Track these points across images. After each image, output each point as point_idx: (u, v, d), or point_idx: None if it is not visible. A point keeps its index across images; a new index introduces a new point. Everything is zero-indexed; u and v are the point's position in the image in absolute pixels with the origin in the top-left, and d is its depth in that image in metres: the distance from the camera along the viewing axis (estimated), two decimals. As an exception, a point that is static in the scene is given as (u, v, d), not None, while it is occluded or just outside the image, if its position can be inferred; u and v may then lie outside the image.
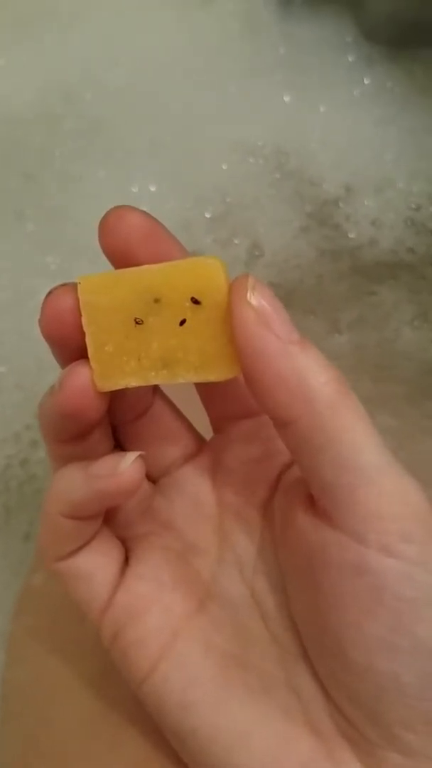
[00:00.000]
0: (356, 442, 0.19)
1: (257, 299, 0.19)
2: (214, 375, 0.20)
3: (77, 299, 0.20)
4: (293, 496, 0.22)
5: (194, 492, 0.25)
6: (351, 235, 0.48)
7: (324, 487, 0.20)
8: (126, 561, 0.25)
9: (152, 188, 0.49)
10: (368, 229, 0.48)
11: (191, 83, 0.52)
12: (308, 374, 0.19)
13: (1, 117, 0.51)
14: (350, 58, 0.55)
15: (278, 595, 0.23)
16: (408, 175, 0.50)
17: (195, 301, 0.20)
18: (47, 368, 0.45)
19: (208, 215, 0.48)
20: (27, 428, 0.42)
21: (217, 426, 0.25)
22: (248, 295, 0.19)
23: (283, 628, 0.23)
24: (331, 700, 0.21)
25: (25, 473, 0.42)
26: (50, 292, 0.21)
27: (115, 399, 0.22)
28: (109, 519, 0.24)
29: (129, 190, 0.49)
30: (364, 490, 0.19)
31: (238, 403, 0.24)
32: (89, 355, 0.21)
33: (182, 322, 0.20)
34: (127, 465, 0.21)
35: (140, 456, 0.22)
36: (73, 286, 0.20)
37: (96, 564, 0.24)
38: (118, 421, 0.24)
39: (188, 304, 0.20)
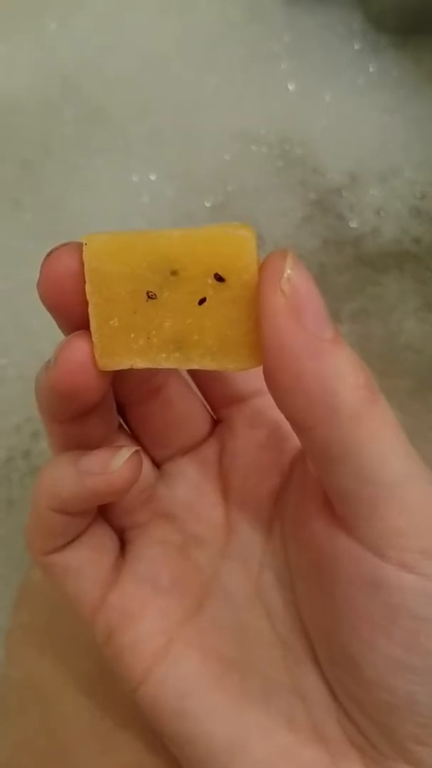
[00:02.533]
0: (379, 455, 0.17)
1: (291, 285, 0.17)
2: (234, 364, 0.18)
3: (82, 263, 0.18)
4: (308, 492, 0.21)
5: (198, 480, 0.24)
6: (355, 225, 0.48)
7: (341, 496, 0.18)
8: (122, 553, 0.24)
9: (152, 177, 0.48)
10: (372, 218, 0.48)
11: (193, 70, 0.52)
12: (334, 378, 0.17)
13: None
14: (356, 46, 0.54)
15: (285, 593, 0.22)
16: (414, 164, 0.49)
17: (219, 278, 0.18)
18: (47, 359, 0.45)
19: (208, 204, 0.48)
20: (28, 420, 0.42)
21: (219, 411, 0.24)
22: (282, 279, 0.17)
23: (289, 628, 0.22)
24: (340, 706, 0.20)
25: (27, 465, 0.41)
26: (50, 253, 0.18)
27: (122, 376, 0.20)
28: (105, 507, 0.23)
29: (129, 179, 0.48)
30: (385, 505, 0.18)
31: (239, 384, 0.23)
32: (91, 329, 0.18)
33: (202, 301, 0.18)
34: (120, 463, 0.20)
35: (136, 452, 0.20)
36: (78, 247, 0.18)
37: (86, 559, 0.22)
38: (125, 400, 0.22)
39: (210, 280, 0.18)
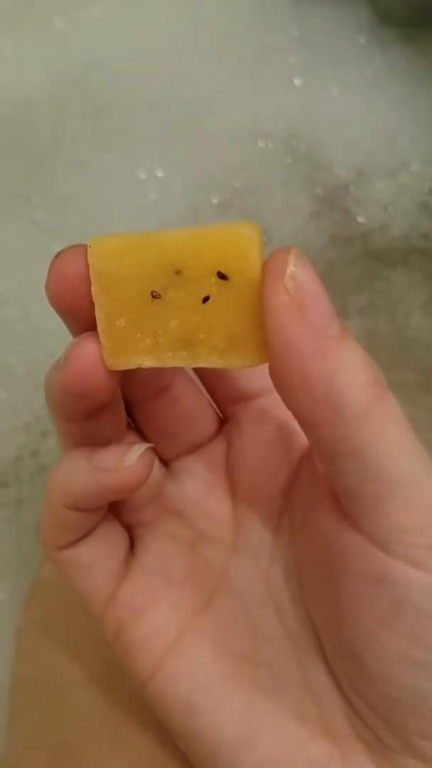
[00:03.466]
0: (385, 452, 0.17)
1: (295, 282, 0.17)
2: (240, 361, 0.18)
3: (87, 265, 0.18)
4: (316, 488, 0.21)
5: (207, 477, 0.24)
6: (362, 220, 0.48)
7: (348, 493, 0.18)
8: (131, 549, 0.24)
9: (159, 174, 0.48)
10: (380, 213, 0.47)
11: (200, 66, 0.52)
12: (340, 377, 0.17)
13: (8, 101, 0.51)
14: (362, 40, 0.54)
15: (294, 588, 0.22)
16: (421, 159, 0.49)
17: (222, 277, 0.18)
18: (57, 356, 0.45)
19: (216, 201, 0.48)
20: (37, 419, 0.42)
21: (225, 409, 0.24)
22: (285, 276, 0.17)
23: (298, 622, 0.22)
24: (347, 700, 0.20)
25: (36, 464, 0.42)
26: (58, 255, 0.19)
27: (130, 375, 0.20)
28: (115, 504, 0.23)
29: (136, 175, 0.48)
30: (391, 501, 0.18)
31: (244, 382, 0.23)
32: (98, 329, 0.18)
33: (205, 299, 0.18)
34: (134, 459, 0.20)
35: (149, 449, 0.20)
36: (84, 249, 0.18)
37: (98, 554, 0.23)
38: (133, 398, 0.22)
39: (214, 279, 0.18)
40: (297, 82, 0.52)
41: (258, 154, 0.49)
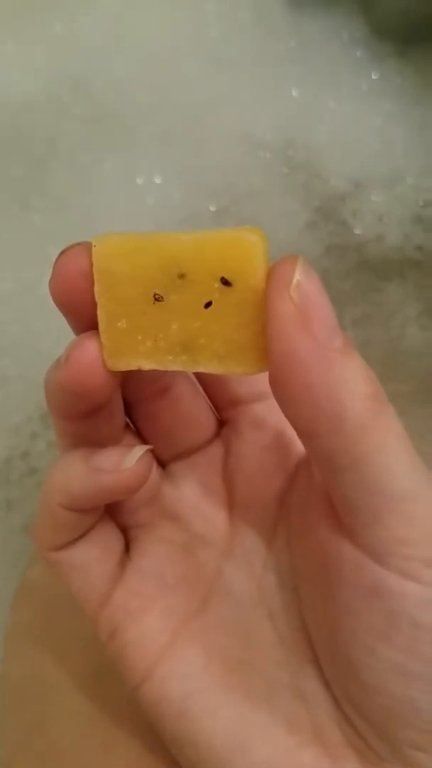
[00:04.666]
0: (385, 466, 0.17)
1: (300, 292, 0.16)
2: (240, 368, 0.18)
3: (92, 263, 0.18)
4: (313, 496, 0.21)
5: (204, 480, 0.24)
6: (358, 231, 0.48)
7: (346, 504, 0.18)
8: (127, 551, 0.24)
9: (157, 180, 0.48)
10: (375, 225, 0.48)
11: (199, 74, 0.52)
12: (342, 389, 0.17)
13: (7, 104, 0.51)
14: (359, 53, 0.55)
15: (288, 594, 0.22)
16: (417, 171, 0.49)
17: (225, 282, 0.17)
18: (50, 359, 0.45)
19: (213, 208, 0.48)
20: (28, 420, 0.42)
21: (224, 413, 0.24)
22: (291, 286, 0.16)
23: (291, 629, 0.22)
24: (340, 708, 0.20)
25: (26, 466, 0.41)
26: (62, 252, 0.18)
27: (130, 376, 0.20)
28: (111, 505, 0.23)
29: (134, 181, 0.48)
30: (389, 514, 0.18)
31: (244, 387, 0.23)
32: (100, 329, 0.18)
33: (208, 305, 0.18)
34: (133, 461, 0.20)
35: (148, 451, 0.20)
36: (88, 247, 0.18)
37: (94, 555, 0.22)
38: (133, 399, 0.22)
39: (217, 284, 0.17)
40: (294, 93, 0.52)
41: (255, 163, 0.49)
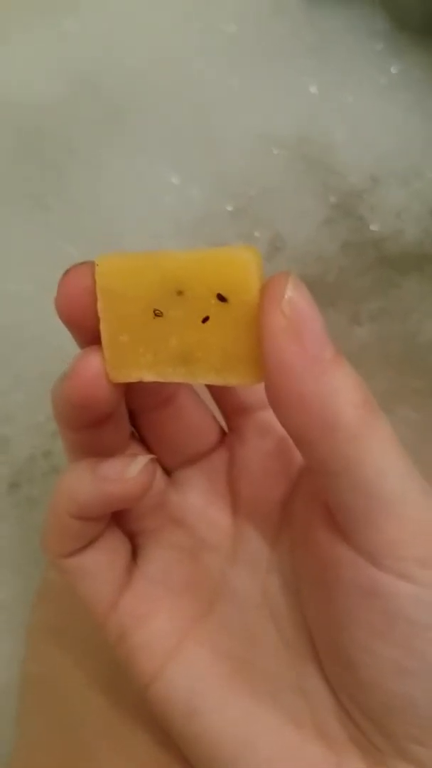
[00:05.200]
0: (377, 470, 0.18)
1: (292, 306, 0.17)
2: (236, 379, 0.19)
3: (95, 281, 0.19)
4: (312, 501, 0.21)
5: (209, 487, 0.24)
6: (375, 227, 0.48)
7: (340, 508, 0.19)
8: (134, 557, 0.25)
9: (174, 180, 0.49)
10: (394, 220, 0.48)
11: (214, 71, 0.52)
12: (334, 397, 0.18)
13: (21, 104, 0.51)
14: (378, 47, 0.54)
15: (291, 596, 0.23)
16: (435, 166, 0.49)
17: (221, 298, 0.18)
18: (71, 357, 0.45)
19: (229, 208, 0.48)
20: (49, 419, 0.43)
21: (230, 420, 0.25)
22: (283, 301, 0.17)
23: (294, 629, 0.22)
24: (342, 705, 0.21)
25: (48, 464, 0.42)
26: (67, 271, 0.20)
27: (134, 386, 0.21)
28: (118, 512, 0.24)
29: (150, 180, 0.48)
30: (382, 517, 0.18)
31: (249, 395, 0.24)
32: (103, 344, 0.20)
33: (205, 320, 0.19)
34: (136, 470, 0.21)
35: (151, 460, 0.21)
36: (92, 266, 0.19)
37: (101, 562, 0.23)
38: (137, 408, 0.23)
39: (213, 300, 0.19)
40: (312, 88, 0.52)
41: (272, 161, 0.49)
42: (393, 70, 0.53)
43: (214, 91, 0.51)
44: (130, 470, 0.21)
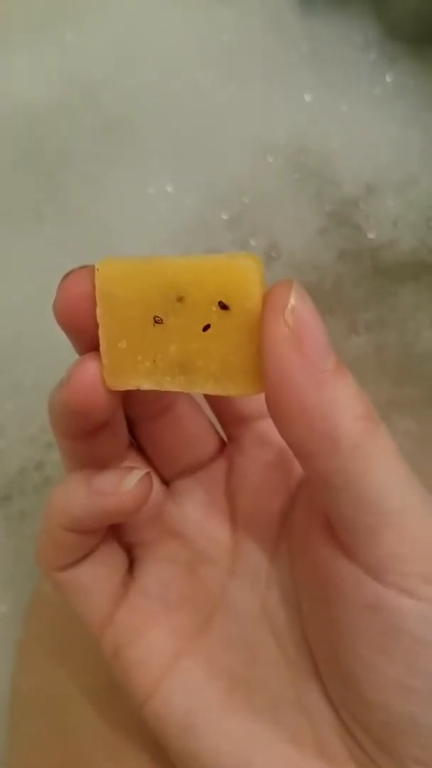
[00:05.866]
0: (378, 484, 0.18)
1: (295, 316, 0.17)
2: (236, 389, 0.19)
3: (94, 286, 0.19)
4: (312, 514, 0.21)
5: (207, 499, 0.24)
6: (371, 236, 0.48)
7: (342, 523, 0.19)
8: (130, 570, 0.24)
9: (169, 189, 0.48)
10: (389, 229, 0.47)
11: (210, 81, 0.52)
12: (335, 409, 0.17)
13: (20, 115, 0.51)
14: (372, 56, 0.54)
15: (291, 610, 0.22)
16: (431, 175, 0.49)
17: (223, 306, 0.18)
18: (66, 369, 0.45)
19: (225, 216, 0.48)
20: (43, 430, 0.42)
21: (229, 430, 0.24)
22: (286, 310, 0.17)
23: (294, 645, 0.22)
24: (343, 723, 0.21)
25: (41, 476, 0.42)
26: (67, 275, 0.19)
27: (132, 394, 0.21)
28: (114, 524, 0.24)
29: (146, 190, 0.48)
30: (385, 532, 0.18)
31: (248, 404, 0.23)
32: (101, 350, 0.19)
33: (206, 328, 0.18)
34: (131, 484, 0.20)
35: (147, 474, 0.21)
36: (91, 270, 0.19)
37: (97, 576, 0.23)
38: (135, 417, 0.23)
39: (215, 308, 0.18)
40: (307, 97, 0.52)
41: (267, 170, 0.49)
42: (387, 78, 0.53)
43: (211, 101, 0.51)
44: (126, 483, 0.20)
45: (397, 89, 0.53)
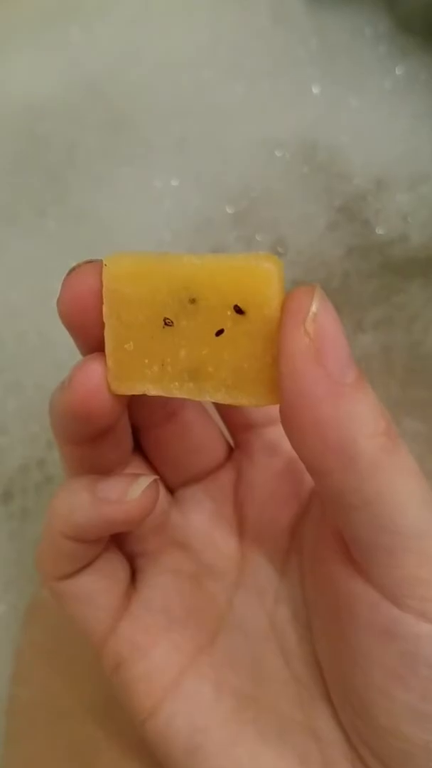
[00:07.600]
0: (397, 504, 0.17)
1: (317, 326, 0.16)
2: (248, 399, 0.18)
3: (101, 281, 0.18)
4: (325, 529, 0.20)
5: (214, 508, 0.23)
6: (381, 232, 0.47)
7: (358, 543, 0.18)
8: (133, 581, 0.23)
9: (174, 183, 0.48)
10: (399, 225, 0.47)
11: (218, 76, 0.51)
12: (353, 425, 0.16)
13: (24, 112, 0.50)
14: (382, 49, 0.53)
15: (301, 629, 0.21)
16: (442, 170, 0.48)
17: (238, 311, 0.17)
18: (67, 369, 0.44)
19: (231, 211, 0.47)
20: (44, 428, 0.42)
21: (237, 435, 0.23)
22: (308, 318, 0.16)
23: (304, 664, 0.21)
24: (353, 748, 0.20)
25: (42, 475, 0.41)
26: (72, 269, 0.18)
27: (138, 399, 0.20)
28: (117, 533, 0.22)
29: (152, 187, 0.47)
30: (403, 554, 0.17)
31: (256, 410, 0.22)
32: (106, 351, 0.18)
33: (219, 332, 0.17)
34: (138, 492, 0.19)
35: (154, 481, 0.20)
36: (99, 266, 0.18)
37: (98, 586, 0.22)
38: (141, 423, 0.22)
39: (230, 312, 0.17)
40: (316, 91, 0.51)
41: (275, 164, 0.48)
42: (398, 72, 0.52)
43: (219, 96, 0.51)
44: (132, 492, 0.19)
45: (407, 82, 0.52)
